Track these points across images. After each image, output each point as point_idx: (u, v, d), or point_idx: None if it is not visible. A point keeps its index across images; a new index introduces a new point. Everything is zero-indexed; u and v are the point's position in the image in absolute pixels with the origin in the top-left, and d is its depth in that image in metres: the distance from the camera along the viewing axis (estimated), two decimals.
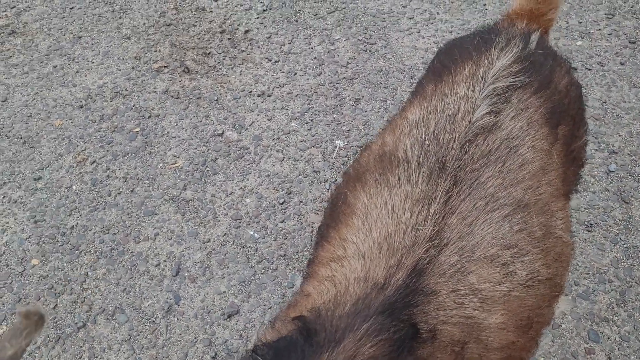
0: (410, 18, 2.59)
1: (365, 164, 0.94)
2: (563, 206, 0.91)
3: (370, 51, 2.47)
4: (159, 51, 2.53)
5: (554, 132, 0.94)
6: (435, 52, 2.25)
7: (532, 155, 0.87)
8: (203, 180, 2.06)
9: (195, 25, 2.64)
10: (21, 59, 2.53)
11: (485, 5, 2.61)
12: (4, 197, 2.04)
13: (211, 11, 2.70)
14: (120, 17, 2.70)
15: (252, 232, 1.90)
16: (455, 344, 0.74)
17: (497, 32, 1.04)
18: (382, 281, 0.75)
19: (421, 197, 0.81)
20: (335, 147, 2.13)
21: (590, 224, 1.85)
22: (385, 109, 2.24)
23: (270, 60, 2.46)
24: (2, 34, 2.64)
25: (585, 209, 1.89)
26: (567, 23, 2.54)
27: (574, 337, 1.62)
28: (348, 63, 2.43)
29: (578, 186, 1.19)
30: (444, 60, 1.04)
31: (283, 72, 2.41)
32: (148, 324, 1.70)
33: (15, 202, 2.03)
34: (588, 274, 1.74)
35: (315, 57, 2.46)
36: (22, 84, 2.42)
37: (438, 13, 2.60)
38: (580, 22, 2.54)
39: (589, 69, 2.34)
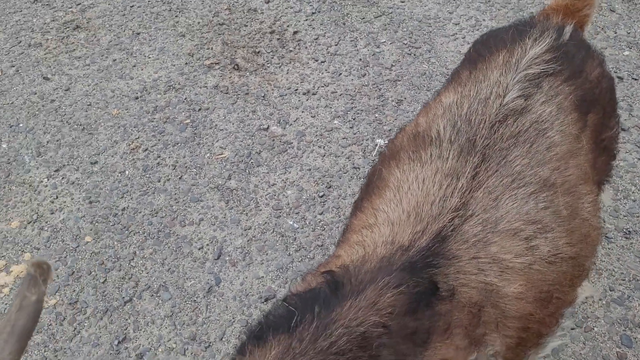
0: (456, 24, 2.63)
1: (399, 143, 1.01)
2: (591, 190, 0.95)
3: (414, 55, 2.52)
4: (211, 49, 2.65)
5: (584, 119, 0.98)
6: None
7: (561, 139, 0.92)
8: (247, 171, 2.15)
9: (247, 25, 2.75)
10: (84, 52, 2.69)
11: (532, 13, 2.62)
12: (63, 178, 2.18)
13: (262, 12, 2.81)
14: (176, 16, 2.84)
15: (291, 222, 1.97)
16: (473, 306, 0.79)
17: (532, 25, 1.09)
18: (407, 244, 0.80)
19: (450, 171, 0.86)
20: (376, 145, 2.19)
21: (629, 232, 1.85)
22: None
23: (316, 61, 2.54)
24: (67, 29, 2.82)
25: (625, 216, 1.89)
26: (615, 33, 2.53)
27: (606, 341, 1.62)
28: (392, 65, 2.48)
29: (609, 177, 1.21)
30: (480, 49, 1.09)
31: (328, 72, 2.49)
32: (189, 303, 1.79)
33: (73, 183, 2.17)
34: (624, 280, 1.74)
35: (360, 59, 2.53)
36: (83, 75, 2.58)
37: (484, 20, 2.63)
38: (629, 33, 2.52)
39: (636, 79, 2.33)
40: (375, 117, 2.29)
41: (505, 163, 0.87)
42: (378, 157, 1.07)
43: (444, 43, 2.55)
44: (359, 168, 2.12)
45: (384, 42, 2.59)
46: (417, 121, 1.02)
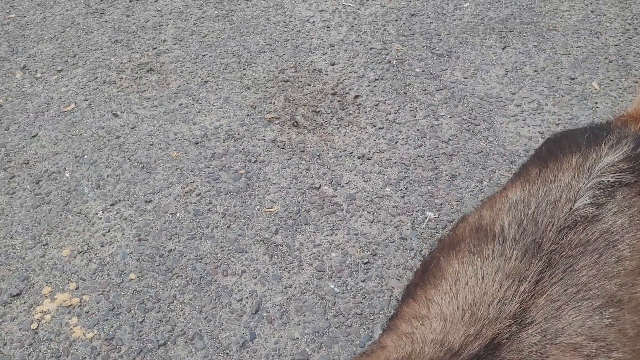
0: (518, 105, 2.63)
1: (460, 234, 0.99)
2: None
3: (473, 131, 2.52)
4: (274, 103, 2.73)
5: None
6: (539, 142, 2.27)
7: (630, 253, 0.89)
8: (294, 228, 2.16)
9: (310, 85, 2.83)
10: (154, 93, 2.82)
11: (596, 103, 2.61)
12: (117, 212, 2.25)
13: (326, 74, 2.89)
14: (244, 69, 2.95)
15: (332, 286, 1.96)
16: None
17: (608, 130, 1.07)
18: (457, 348, 0.78)
19: (512, 272, 0.84)
20: (426, 217, 2.17)
21: None
22: (481, 189, 2.27)
23: (374, 126, 2.58)
24: (141, 70, 2.97)
25: None
26: None
27: None
28: (449, 139, 2.49)
29: None
30: (552, 148, 1.08)
31: (385, 139, 2.51)
32: (222, 355, 1.78)
33: (126, 219, 2.23)
34: None
35: (418, 130, 2.55)
36: (150, 115, 2.69)
37: (546, 104, 2.62)
38: None
39: None
40: (428, 190, 2.28)
41: (572, 272, 0.84)
42: (436, 244, 1.06)
43: (504, 123, 2.55)
44: (406, 239, 2.10)
45: (443, 115, 2.61)
46: (480, 213, 1.01)
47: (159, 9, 3.45)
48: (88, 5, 3.51)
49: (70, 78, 2.95)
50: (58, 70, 3.00)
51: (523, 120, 2.56)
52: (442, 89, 2.75)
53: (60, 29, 3.32)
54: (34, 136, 2.62)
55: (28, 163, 2.49)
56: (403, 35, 3.11)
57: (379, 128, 2.57)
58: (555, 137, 1.20)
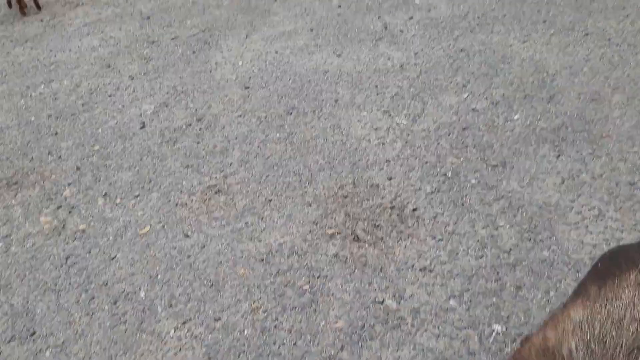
0: (578, 213, 2.63)
1: (527, 356, 1.00)
2: None
3: (534, 240, 2.52)
4: (334, 219, 2.84)
5: None
6: (604, 249, 2.25)
7: None
8: (360, 344, 2.17)
9: (369, 200, 2.94)
10: (221, 213, 3.00)
11: None
12: (187, 331, 2.34)
13: (384, 188, 3.00)
14: (305, 187, 3.11)
15: None
16: None
17: None
18: None
19: None
20: (493, 331, 2.14)
21: None
22: (548, 300, 2.23)
23: (434, 238, 2.62)
24: (210, 192, 3.18)
25: None
26: None
27: None
28: (511, 249, 2.49)
29: None
30: (608, 265, 1.10)
31: (445, 250, 2.54)
32: None
33: (196, 337, 2.30)
34: None
35: (478, 240, 2.57)
36: (218, 235, 2.85)
37: (608, 211, 2.61)
38: None
39: None
40: (493, 302, 2.26)
41: None
42: None
43: (566, 231, 2.54)
44: (474, 354, 2.06)
45: (503, 225, 2.64)
46: (545, 334, 1.02)
47: (226, 134, 3.74)
48: (162, 135, 3.86)
49: (146, 202, 3.19)
50: (135, 196, 3.27)
51: (585, 227, 2.55)
52: (499, 199, 2.80)
53: (138, 157, 3.65)
54: (112, 258, 2.81)
55: (107, 284, 2.65)
56: (456, 148, 3.23)
57: (439, 240, 2.61)
58: (609, 254, 1.22)
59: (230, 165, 3.42)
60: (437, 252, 2.55)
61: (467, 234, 2.62)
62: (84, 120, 4.23)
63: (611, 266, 1.09)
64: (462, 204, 2.81)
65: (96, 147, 3.85)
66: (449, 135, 3.37)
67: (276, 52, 4.91)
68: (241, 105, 4.10)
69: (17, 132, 4.22)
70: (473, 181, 2.95)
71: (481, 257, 2.48)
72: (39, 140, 4.07)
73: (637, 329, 0.89)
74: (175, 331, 2.35)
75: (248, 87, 4.35)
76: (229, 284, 2.55)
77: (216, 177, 3.32)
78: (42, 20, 6.73)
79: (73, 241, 2.98)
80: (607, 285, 1.02)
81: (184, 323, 2.38)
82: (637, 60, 3.80)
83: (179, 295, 2.53)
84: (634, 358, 0.87)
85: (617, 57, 3.89)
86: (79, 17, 6.66)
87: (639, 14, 4.44)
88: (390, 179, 3.07)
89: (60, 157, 3.80)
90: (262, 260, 2.65)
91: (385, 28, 5.03)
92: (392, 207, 2.86)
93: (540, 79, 3.79)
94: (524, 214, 2.68)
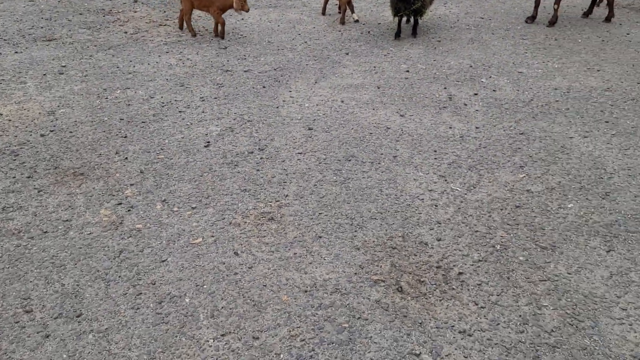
0: (624, 309, 2.64)
1: None
2: None
3: (576, 327, 2.53)
4: (380, 267, 2.91)
5: None
6: None
7: None
8: None
9: (416, 255, 3.00)
10: (272, 239, 3.10)
11: None
12: (226, 343, 2.40)
13: (432, 247, 3.07)
14: (355, 231, 3.20)
15: None
16: None
17: None
18: None
19: None
20: None
21: None
22: None
23: (476, 305, 2.65)
24: (264, 218, 3.30)
25: None
26: None
27: None
28: (552, 331, 2.51)
29: None
30: None
31: (487, 318, 2.57)
32: None
33: (233, 351, 2.36)
34: None
35: (520, 315, 2.59)
36: (266, 259, 2.94)
37: None
38: None
39: None
40: None
41: None
42: None
43: (609, 324, 2.55)
44: None
45: (546, 305, 2.66)
46: None
47: (285, 168, 3.89)
48: (225, 157, 4.03)
49: (201, 215, 3.32)
50: (192, 207, 3.40)
51: (629, 325, 2.55)
52: (546, 280, 2.83)
53: (199, 172, 3.81)
54: (163, 261, 2.92)
55: (155, 284, 2.75)
56: (507, 224, 3.29)
57: (481, 307, 2.64)
58: None
59: (286, 197, 3.54)
60: (478, 318, 2.58)
61: (510, 307, 2.65)
62: (153, 130, 4.45)
63: None
64: (508, 278, 2.84)
65: (161, 156, 4.03)
66: (501, 210, 3.43)
67: (342, 102, 5.10)
68: (303, 143, 4.27)
69: (89, 128, 4.46)
70: (521, 258, 2.99)
71: (522, 332, 2.50)
72: (108, 139, 4.28)
73: None
74: (214, 341, 2.41)
75: (311, 129, 4.52)
76: (271, 307, 2.62)
77: (271, 205, 3.44)
78: (126, 33, 7.15)
79: (128, 238, 3.11)
80: None
81: (223, 335, 2.45)
82: None
83: (222, 308, 2.61)
84: None
85: None
86: (160, 36, 7.06)
87: None
88: (439, 240, 3.14)
89: (126, 158, 3.99)
90: (306, 291, 2.72)
91: (450, 99, 5.20)
92: (438, 267, 2.92)
93: (598, 174, 3.85)
94: (569, 299, 2.70)
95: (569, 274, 2.88)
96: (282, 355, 2.35)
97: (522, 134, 4.49)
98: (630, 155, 4.13)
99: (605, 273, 2.88)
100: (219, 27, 6.94)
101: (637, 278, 2.85)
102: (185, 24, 7.13)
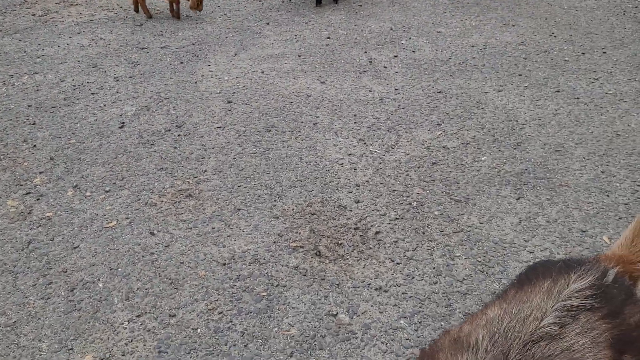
0: (531, 252, 2.76)
1: (440, 344, 1.11)
2: None
3: (487, 273, 2.63)
4: (299, 233, 2.92)
5: (618, 358, 1.04)
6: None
7: None
8: (309, 352, 2.22)
9: (334, 219, 3.03)
10: (189, 217, 3.05)
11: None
12: (141, 324, 2.36)
13: (350, 210, 3.10)
14: (275, 200, 3.19)
15: None
16: None
17: (580, 263, 1.23)
18: None
19: None
20: None
21: None
22: None
23: (392, 261, 2.71)
24: (181, 195, 3.23)
25: None
26: None
27: None
28: (464, 279, 2.60)
29: None
30: (529, 274, 1.23)
31: (402, 273, 2.63)
32: None
33: (149, 331, 2.33)
34: None
35: (434, 267, 2.67)
36: (184, 236, 2.90)
37: (558, 254, 2.74)
38: None
39: None
40: (441, 325, 2.35)
41: None
42: (418, 353, 1.17)
43: (517, 268, 2.66)
44: None
45: (459, 256, 2.75)
46: (461, 327, 1.14)
47: (203, 143, 3.82)
48: (141, 137, 3.91)
49: (115, 198, 3.22)
50: (106, 191, 3.30)
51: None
52: (459, 232, 2.92)
53: (113, 155, 3.69)
54: (75, 248, 2.83)
55: (66, 272, 2.66)
56: (424, 181, 3.36)
57: (397, 263, 2.70)
58: (533, 265, 1.35)
59: (204, 172, 3.48)
60: (394, 274, 2.64)
61: (424, 260, 2.72)
62: (64, 114, 4.27)
63: (531, 275, 1.22)
64: (423, 233, 2.91)
65: (72, 141, 3.87)
66: (418, 168, 3.50)
67: (262, 72, 5.04)
68: (222, 117, 4.19)
69: None
70: (436, 212, 3.07)
71: (435, 283, 2.58)
72: (15, 127, 4.08)
73: (536, 327, 1.02)
74: (129, 323, 2.37)
75: (231, 102, 4.45)
76: (189, 283, 2.59)
77: (189, 182, 3.38)
78: (34, 15, 6.78)
79: (37, 227, 2.99)
80: (522, 290, 1.14)
81: (139, 316, 2.40)
82: (602, 120, 4.02)
83: (137, 289, 2.56)
84: (528, 349, 0.99)
85: (584, 115, 4.11)
86: (71, 16, 6.73)
87: (607, 78, 4.71)
88: (357, 202, 3.17)
89: (35, 146, 3.81)
90: (224, 264, 2.70)
91: (370, 63, 5.22)
92: (356, 229, 2.95)
93: (510, 126, 3.98)
94: (480, 248, 2.80)
95: (481, 223, 2.98)
96: (199, 330, 2.33)
97: (439, 92, 4.57)
98: (541, 105, 4.28)
99: (515, 220, 3.00)
100: (174, 7, 6.62)
101: (544, 222, 2.98)
102: (140, 6, 6.76)
